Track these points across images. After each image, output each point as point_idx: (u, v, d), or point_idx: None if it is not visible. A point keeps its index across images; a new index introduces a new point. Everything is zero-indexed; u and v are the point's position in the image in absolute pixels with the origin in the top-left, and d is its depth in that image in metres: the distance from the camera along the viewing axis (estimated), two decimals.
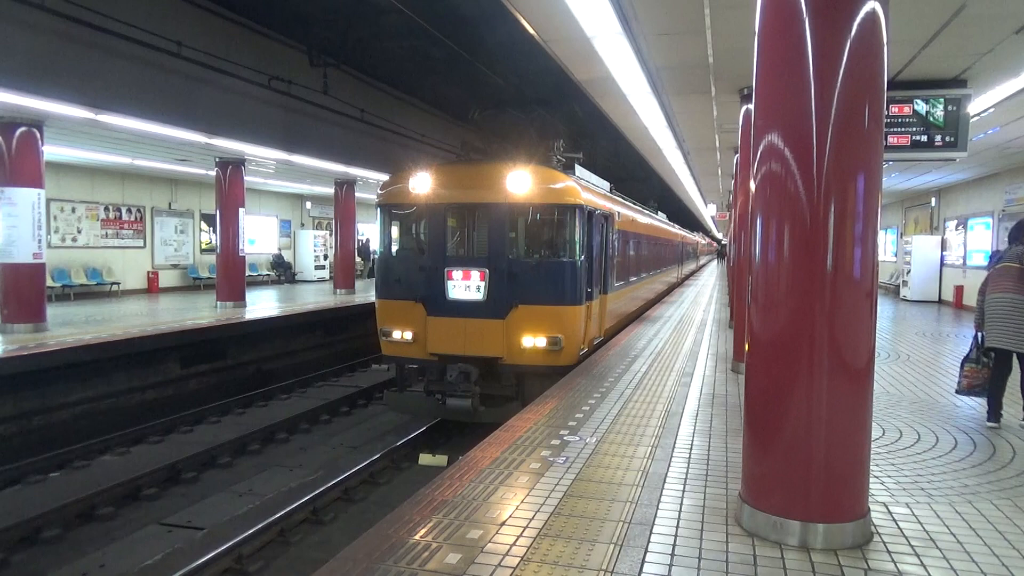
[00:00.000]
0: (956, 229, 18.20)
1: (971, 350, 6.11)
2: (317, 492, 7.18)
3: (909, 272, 19.08)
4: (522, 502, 4.04)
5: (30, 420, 9.36)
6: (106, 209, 17.72)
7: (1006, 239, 6.61)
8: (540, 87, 15.30)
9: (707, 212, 36.12)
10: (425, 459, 8.64)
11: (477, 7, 10.67)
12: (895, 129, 7.72)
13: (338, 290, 19.91)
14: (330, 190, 20.44)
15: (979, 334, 6.07)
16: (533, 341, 8.54)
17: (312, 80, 13.32)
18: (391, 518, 3.79)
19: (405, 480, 8.08)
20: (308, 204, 26.28)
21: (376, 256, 10.28)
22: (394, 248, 9.68)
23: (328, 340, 16.00)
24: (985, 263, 15.13)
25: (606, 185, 12.28)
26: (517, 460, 4.82)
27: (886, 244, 24.41)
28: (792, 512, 3.48)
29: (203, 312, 14.35)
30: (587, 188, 9.78)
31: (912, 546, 3.53)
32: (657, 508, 3.98)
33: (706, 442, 5.35)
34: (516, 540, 3.52)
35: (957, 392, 6.27)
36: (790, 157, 3.43)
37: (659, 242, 19.47)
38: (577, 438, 5.39)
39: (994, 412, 5.96)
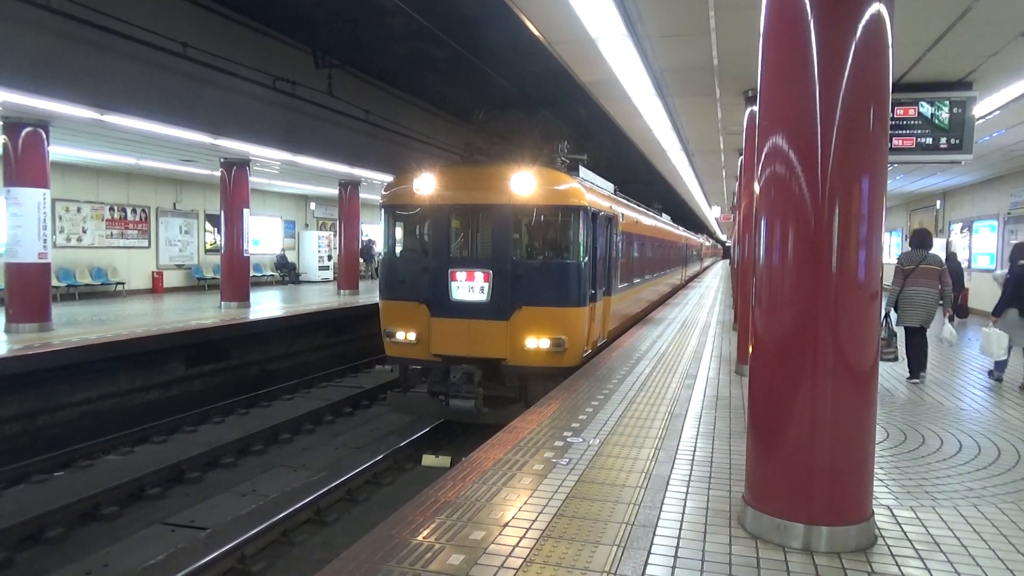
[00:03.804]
0: (961, 232, 18.14)
1: (881, 327, 6.77)
2: (320, 493, 7.19)
3: None
4: (525, 503, 4.04)
5: (35, 420, 9.38)
6: (111, 209, 17.78)
7: (908, 243, 8.45)
8: (544, 88, 15.31)
9: (711, 214, 36.08)
10: (428, 460, 8.64)
11: (481, 8, 10.67)
12: (900, 131, 7.70)
13: (342, 291, 19.94)
14: (334, 191, 20.48)
15: (891, 314, 7.62)
16: (537, 342, 8.54)
17: (317, 81, 13.35)
18: (394, 519, 3.80)
19: (408, 481, 8.07)
20: (312, 205, 26.34)
21: (380, 257, 10.30)
22: (398, 249, 9.70)
23: (331, 341, 16.02)
24: (991, 266, 15.30)
25: (610, 187, 12.27)
26: (520, 461, 4.82)
27: (891, 247, 24.33)
28: (796, 515, 3.48)
29: (207, 312, 14.38)
30: (591, 190, 9.77)
31: (916, 549, 3.52)
32: (660, 510, 3.97)
33: (709, 444, 5.34)
34: (519, 541, 3.52)
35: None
36: (794, 159, 3.42)
37: (663, 244, 19.45)
38: (580, 440, 5.39)
39: (914, 371, 7.85)
